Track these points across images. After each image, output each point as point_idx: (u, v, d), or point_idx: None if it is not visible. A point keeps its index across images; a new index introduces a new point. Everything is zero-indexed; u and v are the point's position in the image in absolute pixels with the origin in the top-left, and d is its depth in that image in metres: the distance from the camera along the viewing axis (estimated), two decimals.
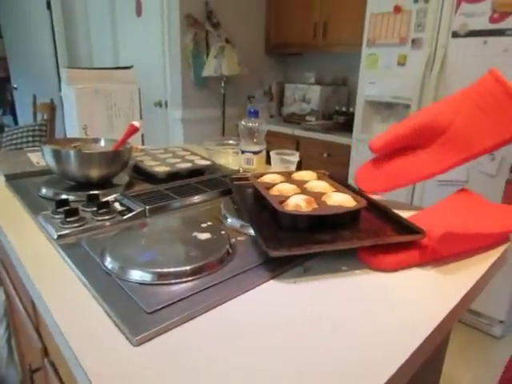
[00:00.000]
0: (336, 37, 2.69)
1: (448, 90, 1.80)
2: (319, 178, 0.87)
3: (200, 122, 2.84)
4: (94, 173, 0.87)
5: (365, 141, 2.17)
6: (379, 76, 2.05)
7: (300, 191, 0.77)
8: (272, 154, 1.10)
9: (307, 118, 2.90)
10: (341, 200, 0.71)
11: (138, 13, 2.86)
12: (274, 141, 2.78)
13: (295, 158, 1.08)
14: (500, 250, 0.67)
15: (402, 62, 1.96)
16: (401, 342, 0.44)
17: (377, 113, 2.15)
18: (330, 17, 2.69)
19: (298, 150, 2.70)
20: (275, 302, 0.51)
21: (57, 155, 0.85)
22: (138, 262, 0.57)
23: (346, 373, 0.39)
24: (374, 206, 0.76)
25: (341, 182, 0.86)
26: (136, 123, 0.97)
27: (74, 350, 0.41)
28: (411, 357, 0.42)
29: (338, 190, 0.78)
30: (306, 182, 0.83)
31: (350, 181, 2.24)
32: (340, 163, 2.36)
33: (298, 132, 2.69)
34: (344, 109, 2.75)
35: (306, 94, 2.95)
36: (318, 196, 0.73)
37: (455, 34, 1.77)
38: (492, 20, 1.66)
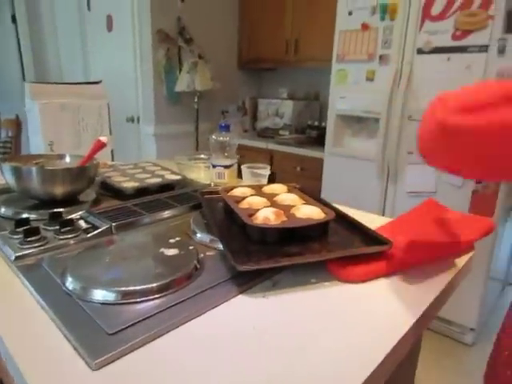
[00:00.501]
0: (307, 53, 2.75)
1: (415, 104, 1.86)
2: (290, 191, 0.88)
3: (173, 138, 2.82)
4: (58, 190, 0.84)
5: (336, 155, 2.20)
6: (349, 91, 2.10)
7: (270, 204, 0.77)
8: (243, 167, 1.10)
9: (280, 132, 2.93)
10: (310, 212, 0.71)
11: (109, 28, 2.85)
12: (247, 155, 2.79)
13: (266, 171, 1.08)
14: (465, 258, 0.69)
15: (370, 78, 2.02)
16: (369, 353, 0.43)
17: (348, 127, 2.20)
18: (301, 33, 2.76)
19: (271, 163, 2.72)
20: (244, 317, 0.50)
21: (17, 172, 0.81)
22: (101, 281, 0.54)
23: None
24: (343, 218, 0.77)
25: (311, 194, 0.86)
26: (103, 138, 0.95)
27: (26, 378, 0.39)
28: (379, 367, 0.42)
29: (307, 203, 0.78)
30: (276, 194, 0.83)
31: (324, 194, 2.27)
32: (313, 177, 2.38)
33: (271, 146, 2.71)
34: (316, 123, 2.79)
35: (279, 109, 2.99)
36: (287, 209, 0.73)
37: (420, 51, 1.83)
38: (454, 37, 1.74)
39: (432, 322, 1.95)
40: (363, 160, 2.07)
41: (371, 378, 0.40)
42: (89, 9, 3.01)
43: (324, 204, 0.79)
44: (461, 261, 0.68)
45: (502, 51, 1.62)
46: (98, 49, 3.07)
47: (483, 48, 1.66)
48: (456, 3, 1.70)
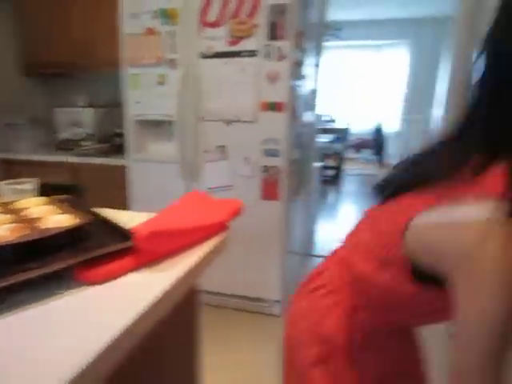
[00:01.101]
0: (103, 57, 2.61)
1: (205, 106, 1.97)
2: (48, 204, 0.80)
3: None
4: None
5: (140, 161, 2.17)
6: (143, 95, 2.09)
7: (13, 220, 0.68)
8: (1, 184, 0.96)
9: (82, 143, 2.72)
10: (59, 221, 0.66)
11: None
12: (45, 172, 2.49)
13: (31, 185, 0.97)
14: (218, 238, 0.75)
15: (161, 82, 2.05)
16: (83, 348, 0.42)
17: (148, 131, 2.19)
18: (94, 37, 2.60)
19: (76, 178, 2.49)
20: None
21: None
22: None
23: None
24: (104, 222, 0.74)
25: (76, 204, 0.81)
26: None
27: None
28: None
29: (64, 213, 0.73)
30: (26, 209, 0.75)
31: (133, 202, 2.20)
32: (121, 186, 2.29)
33: (72, 159, 2.49)
34: (120, 130, 2.69)
35: (79, 118, 2.77)
36: (33, 221, 0.67)
37: (203, 55, 1.95)
38: (230, 43, 1.91)
39: (244, 303, 2.12)
40: (166, 163, 2.09)
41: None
42: None
43: (87, 212, 0.76)
44: (214, 240, 0.74)
45: (267, 56, 1.86)
46: None
47: (253, 53, 1.88)
48: (228, 12, 1.87)
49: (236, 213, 0.78)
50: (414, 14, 5.46)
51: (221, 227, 0.77)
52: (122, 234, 0.67)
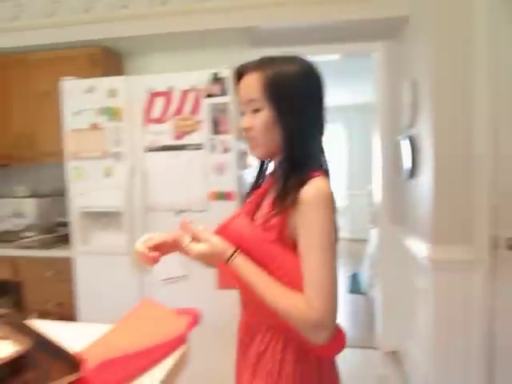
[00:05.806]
0: (45, 148, 2.58)
1: (153, 196, 1.98)
2: None
3: None
4: None
5: (87, 253, 2.08)
6: (88, 187, 2.07)
7: None
8: None
9: (24, 234, 2.57)
10: None
11: None
12: None
13: None
14: (177, 353, 0.72)
15: (107, 173, 2.05)
16: None
17: (95, 222, 2.13)
18: (34, 129, 2.59)
19: (16, 272, 2.32)
20: None
21: None
22: None
23: None
24: (47, 344, 0.70)
25: (16, 323, 0.75)
26: None
27: None
28: None
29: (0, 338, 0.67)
30: None
31: (80, 297, 2.06)
32: (66, 279, 2.16)
33: (12, 252, 2.34)
34: (64, 219, 2.59)
35: (19, 209, 2.65)
36: None
37: (149, 149, 2.00)
38: (175, 137, 1.99)
39: None
40: (115, 255, 2.02)
41: None
42: None
43: (27, 332, 0.70)
44: (172, 358, 0.71)
45: (213, 148, 1.96)
46: None
47: (198, 146, 1.96)
48: (170, 109, 1.98)
49: (194, 323, 0.77)
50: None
51: (179, 342, 0.74)
52: (68, 360, 0.63)
